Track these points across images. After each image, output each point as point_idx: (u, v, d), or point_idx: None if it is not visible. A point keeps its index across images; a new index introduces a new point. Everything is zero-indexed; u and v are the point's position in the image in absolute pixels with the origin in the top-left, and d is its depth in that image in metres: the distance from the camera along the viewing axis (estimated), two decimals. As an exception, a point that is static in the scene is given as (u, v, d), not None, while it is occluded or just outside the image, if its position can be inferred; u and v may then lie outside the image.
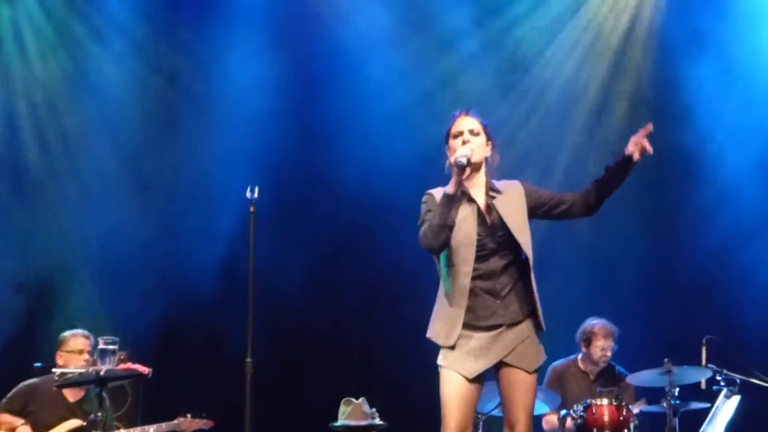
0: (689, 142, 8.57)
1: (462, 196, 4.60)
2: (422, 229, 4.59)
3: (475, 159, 4.62)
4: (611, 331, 7.33)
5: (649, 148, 4.62)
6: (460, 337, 4.60)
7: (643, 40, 8.83)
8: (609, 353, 7.34)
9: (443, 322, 4.66)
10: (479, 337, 4.62)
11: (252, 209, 6.06)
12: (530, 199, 4.77)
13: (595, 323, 7.36)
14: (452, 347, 4.62)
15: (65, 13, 8.83)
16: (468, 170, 4.55)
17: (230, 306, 7.96)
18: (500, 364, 4.66)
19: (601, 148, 8.55)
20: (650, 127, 4.66)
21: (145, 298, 8.57)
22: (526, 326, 4.69)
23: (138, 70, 8.90)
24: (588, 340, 7.34)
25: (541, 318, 4.72)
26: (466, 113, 4.78)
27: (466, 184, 4.64)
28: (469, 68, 8.88)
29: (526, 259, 4.68)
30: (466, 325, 4.62)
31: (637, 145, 4.63)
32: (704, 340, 6.94)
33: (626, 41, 8.84)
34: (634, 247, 8.71)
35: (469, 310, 4.61)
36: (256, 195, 6.06)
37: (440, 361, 4.68)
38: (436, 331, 4.71)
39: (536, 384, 4.76)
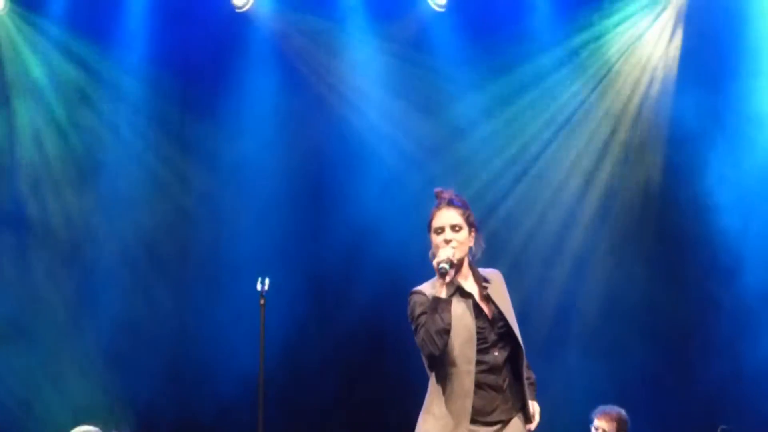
0: (701, 230, 8.57)
1: (453, 294, 4.53)
2: (419, 335, 4.49)
3: (458, 258, 4.55)
4: (612, 416, 7.22)
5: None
6: None
7: (651, 128, 8.89)
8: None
9: (442, 423, 4.53)
10: None
11: (262, 302, 6.06)
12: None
13: (609, 407, 7.26)
14: None
15: (80, 109, 8.92)
16: (452, 272, 4.50)
17: (242, 398, 7.93)
18: None
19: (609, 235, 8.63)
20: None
21: (157, 387, 8.54)
22: (518, 422, 4.62)
23: (149, 162, 8.96)
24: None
25: (534, 413, 4.63)
26: (448, 204, 4.67)
27: (455, 278, 4.58)
28: (481, 158, 8.94)
29: (520, 351, 4.61)
30: (471, 420, 4.52)
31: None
32: (719, 430, 6.88)
33: (633, 130, 8.92)
34: (645, 334, 8.67)
35: (473, 405, 4.52)
36: (266, 287, 6.06)
37: None
38: (428, 431, 4.57)
39: None
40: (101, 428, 6.57)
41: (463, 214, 4.64)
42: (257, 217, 8.81)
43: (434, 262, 4.51)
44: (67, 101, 8.84)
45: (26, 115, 8.77)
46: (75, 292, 8.75)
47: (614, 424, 7.19)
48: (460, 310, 4.54)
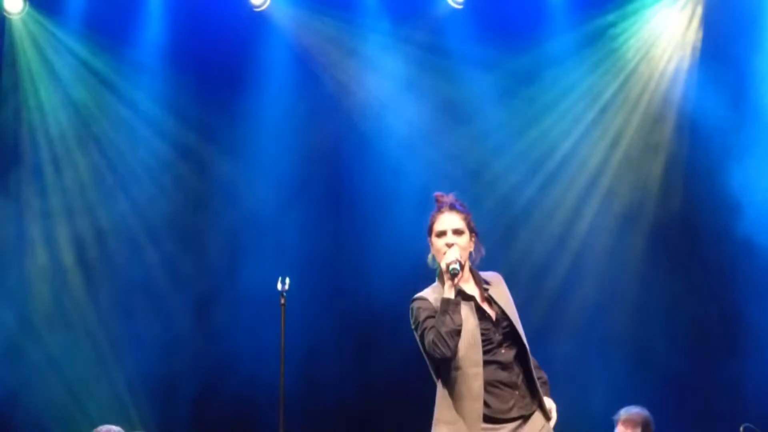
0: (725, 230, 8.46)
1: (459, 296, 4.56)
2: (428, 339, 4.48)
3: (463, 260, 4.58)
4: (636, 421, 7.19)
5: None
6: None
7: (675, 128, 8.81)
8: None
9: (454, 428, 4.52)
10: (502, 429, 4.54)
11: (283, 301, 6.05)
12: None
13: (633, 411, 7.24)
14: None
15: (92, 107, 8.93)
16: (461, 274, 4.53)
17: (262, 401, 7.92)
18: None
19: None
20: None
21: (175, 391, 8.55)
22: (539, 416, 4.64)
23: (167, 161, 8.98)
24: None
25: (551, 409, 4.65)
26: (450, 208, 4.71)
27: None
28: (502, 164, 8.90)
29: (525, 349, 4.63)
30: (490, 419, 4.53)
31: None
32: (741, 429, 6.85)
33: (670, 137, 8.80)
34: (668, 334, 8.63)
35: (488, 406, 4.52)
36: (287, 287, 6.05)
37: None
38: None
39: None
40: (124, 428, 6.62)
41: (464, 219, 4.70)
42: (275, 217, 8.80)
43: (443, 264, 4.55)
44: (86, 99, 8.85)
45: (45, 112, 8.80)
46: (91, 286, 8.78)
47: (639, 429, 7.15)
48: (463, 314, 4.54)
